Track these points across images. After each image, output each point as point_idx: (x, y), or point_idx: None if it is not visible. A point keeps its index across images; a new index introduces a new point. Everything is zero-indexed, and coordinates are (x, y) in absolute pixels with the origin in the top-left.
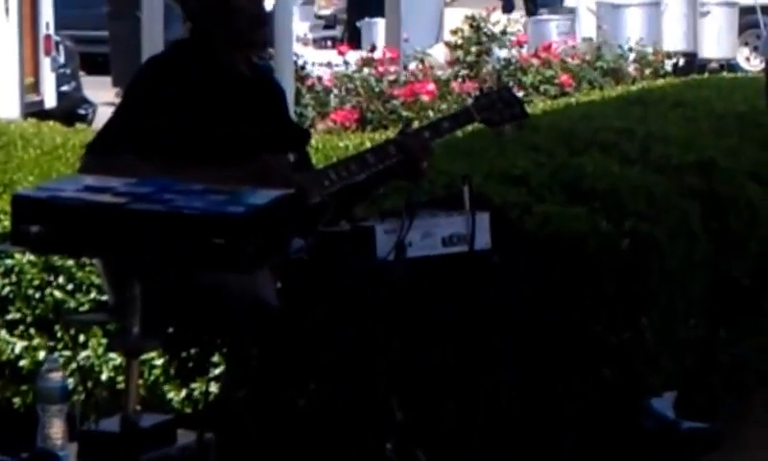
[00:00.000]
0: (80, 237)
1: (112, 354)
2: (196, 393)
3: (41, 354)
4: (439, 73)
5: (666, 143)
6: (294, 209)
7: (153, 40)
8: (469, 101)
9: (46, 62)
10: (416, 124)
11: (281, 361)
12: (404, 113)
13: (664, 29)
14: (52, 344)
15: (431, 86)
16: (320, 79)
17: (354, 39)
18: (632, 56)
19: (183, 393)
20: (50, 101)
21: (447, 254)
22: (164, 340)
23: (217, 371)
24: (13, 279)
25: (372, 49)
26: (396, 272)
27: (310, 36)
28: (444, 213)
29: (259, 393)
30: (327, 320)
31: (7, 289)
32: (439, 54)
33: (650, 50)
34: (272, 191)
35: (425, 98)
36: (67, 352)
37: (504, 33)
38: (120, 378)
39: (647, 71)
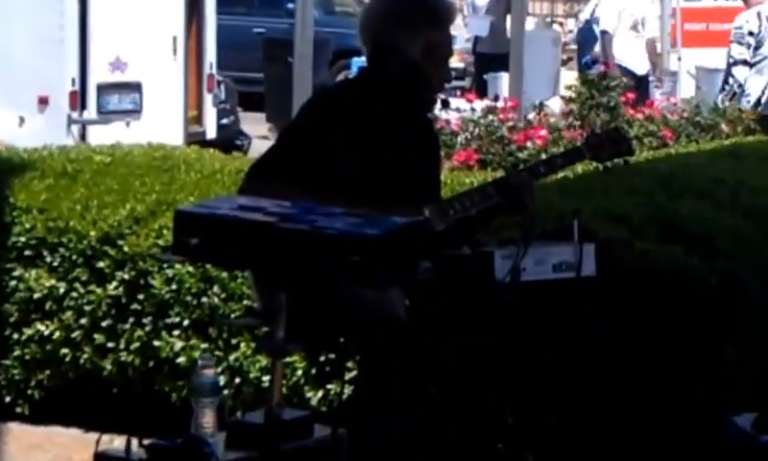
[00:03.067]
0: (233, 250)
1: (259, 356)
2: (332, 393)
3: (197, 354)
4: (552, 121)
5: (755, 192)
6: (423, 234)
7: (302, 82)
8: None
9: (209, 98)
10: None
11: (408, 368)
12: (519, 155)
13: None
14: (206, 345)
15: (543, 132)
16: (448, 122)
17: (480, 90)
18: (726, 113)
19: (321, 393)
20: (211, 132)
21: (557, 279)
22: (306, 345)
23: (351, 375)
24: (174, 286)
25: (496, 98)
26: (512, 293)
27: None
28: (555, 243)
29: (387, 396)
30: (449, 333)
31: (168, 295)
32: (555, 106)
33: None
34: (404, 217)
35: (538, 143)
36: (220, 353)
37: (613, 89)
38: (266, 378)
39: (739, 128)
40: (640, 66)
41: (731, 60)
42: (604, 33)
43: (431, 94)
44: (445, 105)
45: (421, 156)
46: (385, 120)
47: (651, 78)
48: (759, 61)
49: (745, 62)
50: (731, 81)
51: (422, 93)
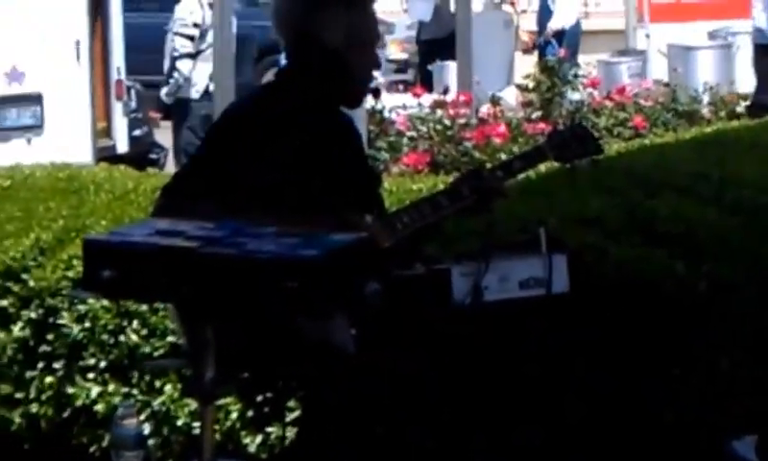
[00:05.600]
0: (152, 282)
1: (188, 399)
2: (272, 437)
3: (116, 400)
4: (509, 115)
5: (743, 185)
6: (367, 253)
7: (224, 85)
8: (542, 141)
9: (118, 107)
10: (488, 166)
11: (357, 406)
12: (476, 156)
13: (736, 71)
14: (127, 389)
15: (502, 129)
16: (392, 122)
17: (426, 83)
18: (706, 98)
19: (260, 438)
20: (122, 146)
21: (525, 297)
22: (239, 385)
23: (293, 415)
24: (87, 324)
25: (446, 91)
26: (473, 316)
27: (382, 80)
28: (521, 256)
29: (336, 436)
30: (403, 364)
31: (81, 335)
32: (510, 97)
33: (724, 91)
34: (345, 235)
35: (497, 140)
36: (142, 398)
37: (576, 75)
38: (196, 424)
39: (722, 113)
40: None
41: (175, 54)
42: None
43: (356, 86)
44: (376, 94)
45: (354, 161)
46: (308, 122)
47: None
48: (204, 50)
49: (190, 55)
50: (176, 74)
51: (348, 84)
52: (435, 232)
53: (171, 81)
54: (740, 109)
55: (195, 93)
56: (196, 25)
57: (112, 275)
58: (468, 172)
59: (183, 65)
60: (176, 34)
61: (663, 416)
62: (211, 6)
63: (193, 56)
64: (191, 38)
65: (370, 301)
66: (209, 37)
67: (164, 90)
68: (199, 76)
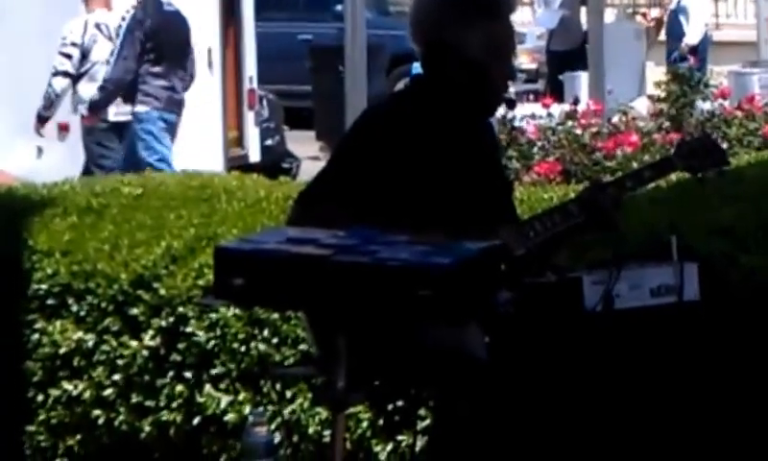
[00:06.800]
0: (283, 290)
1: (318, 408)
2: (403, 446)
3: (247, 409)
4: (641, 124)
5: None
6: (500, 261)
7: (356, 94)
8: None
9: (250, 116)
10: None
11: (490, 415)
12: (607, 165)
13: None
14: (257, 398)
15: (634, 138)
16: (523, 131)
17: (555, 94)
18: None
19: (390, 446)
20: (254, 155)
21: (656, 305)
22: (370, 393)
23: (424, 424)
24: (218, 332)
25: (576, 102)
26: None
27: (512, 89)
28: (652, 264)
29: (467, 447)
30: (536, 373)
31: (212, 343)
32: (642, 107)
33: None
34: (477, 243)
35: (628, 150)
36: (273, 407)
37: (707, 85)
38: (327, 432)
39: None
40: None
41: (53, 70)
42: None
43: (495, 95)
44: (511, 105)
45: (489, 169)
46: (446, 132)
47: None
48: (90, 69)
49: (66, 73)
50: (48, 89)
51: (486, 95)
52: (566, 243)
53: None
54: None
55: (84, 111)
56: (74, 44)
57: (243, 283)
58: (597, 183)
59: (57, 82)
60: (59, 51)
61: None
62: (99, 26)
63: (71, 74)
64: (68, 57)
65: (502, 308)
66: (93, 57)
67: (40, 105)
68: (86, 94)
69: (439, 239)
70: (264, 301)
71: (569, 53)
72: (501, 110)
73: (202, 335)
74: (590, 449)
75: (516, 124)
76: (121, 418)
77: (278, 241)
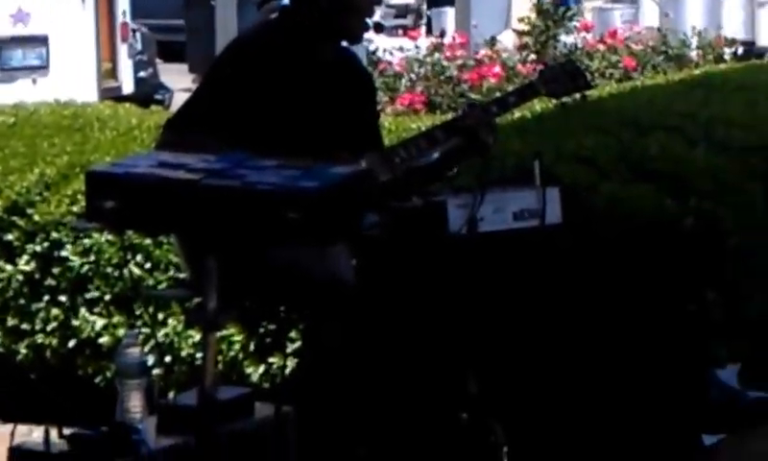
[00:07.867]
0: (154, 213)
1: (191, 330)
2: (274, 368)
3: (121, 332)
4: (506, 57)
5: (729, 126)
6: (366, 185)
7: (227, 28)
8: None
9: (123, 49)
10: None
11: (357, 336)
12: (472, 96)
13: (724, 18)
14: (131, 321)
15: (497, 69)
16: (390, 64)
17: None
18: (695, 42)
19: (262, 368)
20: (127, 87)
21: (519, 228)
22: (241, 313)
23: (294, 346)
24: (92, 258)
25: (442, 34)
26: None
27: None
28: (515, 188)
29: (335, 368)
30: (402, 295)
31: (86, 268)
32: (507, 40)
33: (712, 36)
34: (345, 167)
35: (493, 81)
36: (146, 329)
37: (571, 19)
38: (199, 354)
39: (709, 57)
40: None
41: None
42: None
43: (361, 20)
44: (379, 29)
45: (355, 96)
46: (310, 58)
47: None
48: None
49: None
50: None
51: (349, 19)
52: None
53: None
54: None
55: None
56: None
57: (114, 206)
58: (464, 106)
59: None
60: None
61: (649, 350)
62: None
63: None
64: None
65: (368, 231)
66: None
67: None
68: None
69: (307, 164)
70: (135, 224)
71: None
72: (371, 44)
73: (76, 260)
74: (452, 369)
75: (383, 57)
76: None
77: (149, 165)
